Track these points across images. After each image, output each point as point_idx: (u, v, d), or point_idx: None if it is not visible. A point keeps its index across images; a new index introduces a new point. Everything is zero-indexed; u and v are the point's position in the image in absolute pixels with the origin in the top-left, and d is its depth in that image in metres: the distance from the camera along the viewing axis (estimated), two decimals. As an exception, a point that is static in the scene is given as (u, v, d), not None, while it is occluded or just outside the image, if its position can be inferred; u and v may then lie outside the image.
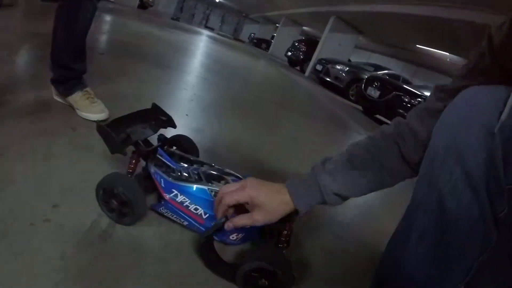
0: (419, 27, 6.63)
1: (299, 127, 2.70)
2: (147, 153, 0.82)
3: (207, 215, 0.75)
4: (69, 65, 1.20)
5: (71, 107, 1.25)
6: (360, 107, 6.29)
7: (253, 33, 22.78)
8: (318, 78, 8.43)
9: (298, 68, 11.21)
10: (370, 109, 5.75)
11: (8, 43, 1.96)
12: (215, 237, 0.76)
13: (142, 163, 0.85)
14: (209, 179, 0.80)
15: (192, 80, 2.78)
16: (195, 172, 0.81)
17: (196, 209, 0.75)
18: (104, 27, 3.92)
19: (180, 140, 1.01)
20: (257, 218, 0.66)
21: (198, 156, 1.03)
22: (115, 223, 0.75)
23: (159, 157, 0.82)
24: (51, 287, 0.56)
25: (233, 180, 0.82)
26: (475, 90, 0.52)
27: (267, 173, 1.42)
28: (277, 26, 17.29)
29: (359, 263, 1.00)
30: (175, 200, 0.76)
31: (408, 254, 0.57)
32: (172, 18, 14.24)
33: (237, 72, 4.80)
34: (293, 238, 0.85)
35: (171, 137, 0.99)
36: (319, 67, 8.39)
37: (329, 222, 1.17)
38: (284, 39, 14.84)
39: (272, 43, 16.02)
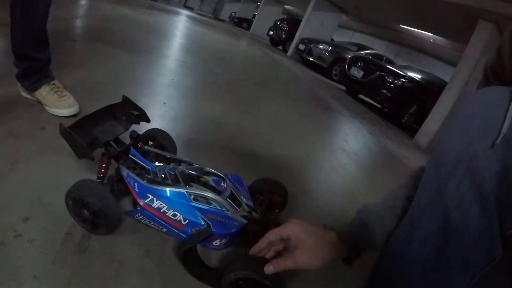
0: (403, 7, 6.54)
1: (282, 110, 2.66)
2: (118, 154, 0.76)
3: (187, 221, 0.70)
4: (31, 55, 1.10)
5: (40, 103, 1.15)
6: (343, 87, 6.26)
7: (234, 12, 22.10)
8: (301, 58, 8.31)
9: (280, 47, 11.03)
10: (354, 89, 5.74)
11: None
12: (198, 243, 0.71)
13: (115, 163, 0.79)
14: (187, 180, 0.74)
15: (170, 64, 2.66)
16: (172, 173, 0.75)
17: (174, 215, 0.70)
18: (77, 12, 3.67)
19: (155, 136, 0.95)
20: (300, 260, 0.59)
21: (176, 151, 0.97)
22: (89, 233, 0.70)
23: (132, 157, 0.76)
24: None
25: (214, 180, 0.77)
26: (494, 91, 0.49)
27: (250, 162, 1.38)
28: (259, 5, 16.85)
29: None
30: (151, 206, 0.70)
31: (409, 258, 0.55)
32: (149, -2, 13.62)
33: (218, 54, 4.65)
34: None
35: (144, 132, 0.93)
36: (301, 47, 8.25)
37: (323, 219, 1.15)
38: (266, 18, 14.44)
39: (254, 23, 15.62)
